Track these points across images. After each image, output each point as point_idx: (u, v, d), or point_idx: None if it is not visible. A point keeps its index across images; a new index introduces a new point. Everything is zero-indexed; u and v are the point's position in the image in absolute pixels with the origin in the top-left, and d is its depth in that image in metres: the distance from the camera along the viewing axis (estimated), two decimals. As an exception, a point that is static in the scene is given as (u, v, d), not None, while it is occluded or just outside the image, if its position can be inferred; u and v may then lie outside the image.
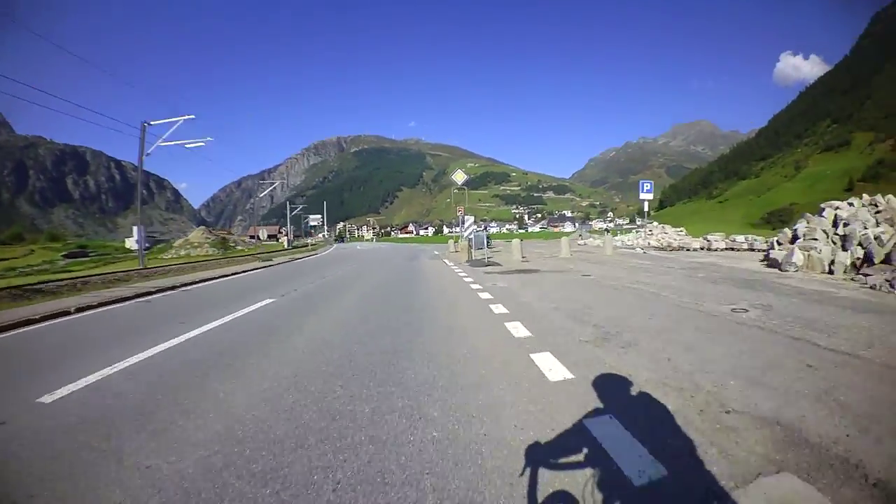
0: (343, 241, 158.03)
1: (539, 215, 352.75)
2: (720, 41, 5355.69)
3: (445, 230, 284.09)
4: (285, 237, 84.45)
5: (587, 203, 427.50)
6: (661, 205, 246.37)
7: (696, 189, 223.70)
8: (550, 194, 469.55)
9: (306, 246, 72.17)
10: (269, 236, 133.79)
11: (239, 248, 53.40)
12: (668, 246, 25.08)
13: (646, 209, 26.69)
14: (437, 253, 33.20)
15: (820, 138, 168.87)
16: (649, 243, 27.46)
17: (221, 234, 58.34)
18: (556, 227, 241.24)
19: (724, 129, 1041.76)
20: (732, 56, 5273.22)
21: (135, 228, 30.91)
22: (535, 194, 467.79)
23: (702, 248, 22.20)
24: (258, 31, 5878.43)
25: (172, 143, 28.20)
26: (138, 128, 25.72)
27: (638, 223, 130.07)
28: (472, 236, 23.76)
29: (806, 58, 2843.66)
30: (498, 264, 17.75)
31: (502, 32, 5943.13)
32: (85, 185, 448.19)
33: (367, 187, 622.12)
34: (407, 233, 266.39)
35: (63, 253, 55.11)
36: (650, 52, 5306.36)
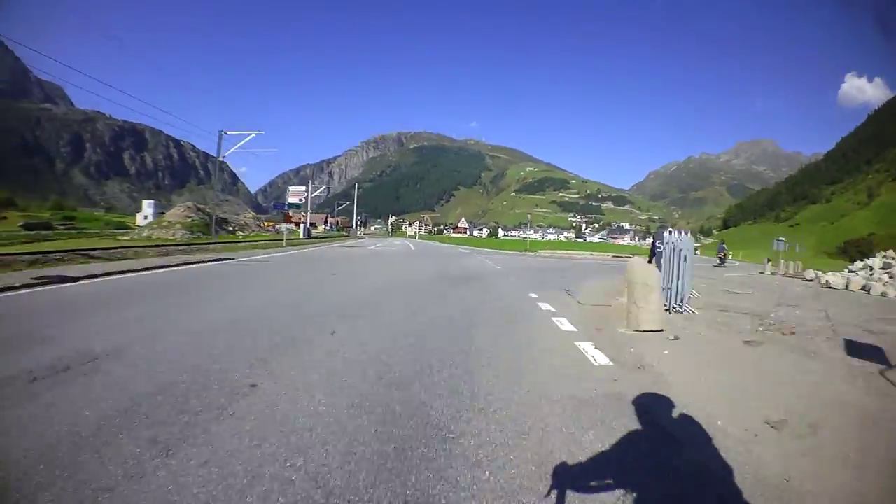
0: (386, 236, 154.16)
1: (596, 225, 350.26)
2: (786, 60, 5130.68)
3: (501, 233, 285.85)
4: (318, 226, 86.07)
5: (646, 217, 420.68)
6: (725, 224, 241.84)
7: (761, 210, 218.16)
8: (609, 204, 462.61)
9: (327, 237, 66.53)
10: (311, 224, 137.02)
11: (240, 233, 48.80)
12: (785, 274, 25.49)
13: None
14: (513, 279, 15.30)
15: (891, 165, 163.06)
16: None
17: (205, 209, 47.95)
18: (615, 238, 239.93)
19: (786, 150, 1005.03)
20: (798, 75, 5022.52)
21: (145, 203, 35.94)
22: (594, 203, 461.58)
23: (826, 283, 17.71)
24: (325, 24, 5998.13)
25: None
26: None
27: (702, 241, 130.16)
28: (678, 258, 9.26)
29: (870, 80, 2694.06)
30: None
31: (569, 39, 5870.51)
32: (142, 161, 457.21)
33: (423, 184, 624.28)
34: (460, 232, 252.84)
35: (21, 223, 55.72)
36: (716, 68, 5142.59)
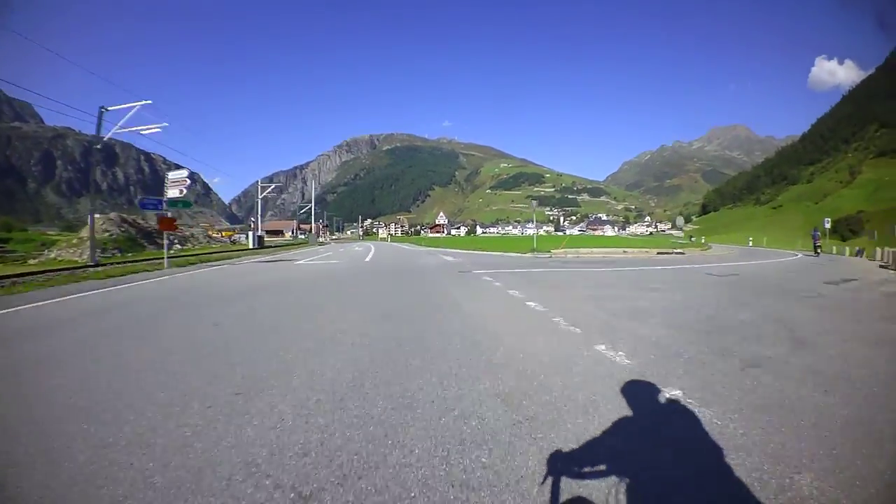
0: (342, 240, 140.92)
1: (573, 217, 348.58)
2: (756, 44, 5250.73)
3: (479, 230, 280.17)
4: (285, 233, 78.94)
5: (622, 206, 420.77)
6: (704, 209, 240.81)
7: (740, 194, 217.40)
8: (585, 196, 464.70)
9: (282, 246, 57.53)
10: (276, 231, 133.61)
11: (178, 246, 41.32)
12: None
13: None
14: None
15: (870, 143, 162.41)
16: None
17: (136, 220, 41.09)
18: (595, 229, 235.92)
19: (759, 135, 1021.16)
20: (768, 59, 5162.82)
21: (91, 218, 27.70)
22: (570, 196, 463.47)
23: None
24: (290, 27, 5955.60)
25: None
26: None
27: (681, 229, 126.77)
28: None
29: (841, 62, 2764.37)
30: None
31: (536, 33, 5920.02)
32: (113, 177, 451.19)
33: (398, 185, 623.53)
34: (437, 231, 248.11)
35: None
36: (686, 55, 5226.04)
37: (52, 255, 31.93)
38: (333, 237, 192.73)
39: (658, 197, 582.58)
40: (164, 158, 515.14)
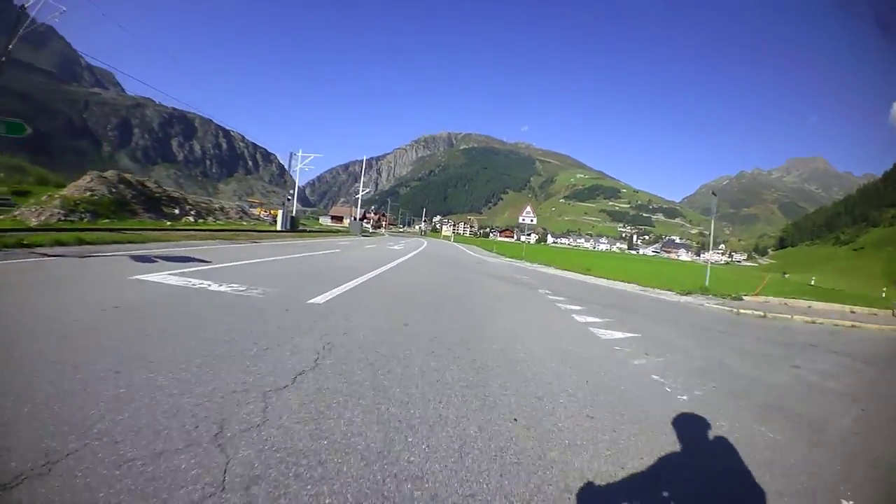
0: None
1: (646, 237, 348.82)
2: (838, 76, 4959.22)
3: (550, 239, 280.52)
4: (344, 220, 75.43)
5: (696, 231, 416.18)
6: (782, 243, 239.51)
7: (819, 231, 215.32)
8: (660, 216, 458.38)
9: (319, 232, 47.61)
10: (335, 217, 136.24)
11: (190, 220, 33.24)
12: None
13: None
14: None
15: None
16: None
17: (144, 182, 33.40)
18: (668, 252, 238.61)
19: (838, 170, 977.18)
20: (850, 93, 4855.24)
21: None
22: (644, 214, 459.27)
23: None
24: (378, 24, 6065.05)
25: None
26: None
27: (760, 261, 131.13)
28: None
29: None
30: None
31: (624, 46, 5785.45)
32: (190, 149, 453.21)
33: (471, 186, 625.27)
34: (507, 236, 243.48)
35: None
36: (770, 80, 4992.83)
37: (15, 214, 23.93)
38: (398, 229, 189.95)
39: (733, 225, 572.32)
40: (242, 136, 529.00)
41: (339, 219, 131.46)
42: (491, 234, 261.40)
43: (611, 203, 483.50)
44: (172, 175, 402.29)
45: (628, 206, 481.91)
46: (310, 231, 45.43)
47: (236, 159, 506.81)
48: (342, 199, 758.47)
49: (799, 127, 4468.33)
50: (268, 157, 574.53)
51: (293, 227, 43.12)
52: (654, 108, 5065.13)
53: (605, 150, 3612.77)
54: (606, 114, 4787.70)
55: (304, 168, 44.82)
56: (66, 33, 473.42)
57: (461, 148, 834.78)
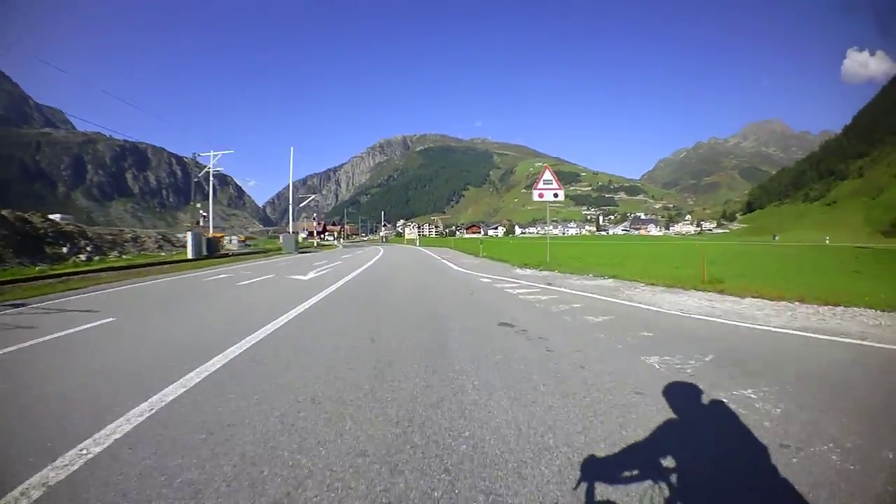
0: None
1: (611, 217, 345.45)
2: (787, 36, 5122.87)
3: (518, 230, 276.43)
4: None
5: (660, 205, 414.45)
6: (750, 207, 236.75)
7: (786, 190, 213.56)
8: (622, 195, 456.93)
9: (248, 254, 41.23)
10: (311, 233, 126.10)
11: (80, 258, 27.49)
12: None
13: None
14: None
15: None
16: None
17: (26, 217, 28.02)
18: (638, 229, 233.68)
19: (795, 130, 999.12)
20: (801, 52, 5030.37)
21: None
22: (607, 195, 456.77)
23: None
24: (322, 32, 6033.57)
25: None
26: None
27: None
28: None
29: (872, 54, 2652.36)
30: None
31: (569, 31, 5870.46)
32: (145, 180, 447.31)
33: (432, 186, 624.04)
34: (473, 232, 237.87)
35: None
36: (718, 49, 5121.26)
37: None
38: (359, 238, 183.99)
39: (696, 195, 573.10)
40: (196, 162, 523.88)
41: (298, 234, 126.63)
42: (457, 232, 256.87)
43: (572, 187, 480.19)
44: (130, 209, 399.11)
45: (590, 188, 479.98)
46: (237, 254, 38.70)
47: (191, 185, 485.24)
48: (303, 215, 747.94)
49: (752, 92, 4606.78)
50: (224, 179, 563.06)
51: (211, 251, 35.14)
52: (605, 89, 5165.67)
53: (560, 137, 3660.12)
54: (558, 100, 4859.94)
55: (216, 170, 35.95)
56: (11, 73, 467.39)
57: (417, 150, 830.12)
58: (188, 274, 19.34)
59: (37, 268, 21.58)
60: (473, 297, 10.89)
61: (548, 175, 19.81)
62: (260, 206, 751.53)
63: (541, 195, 19.69)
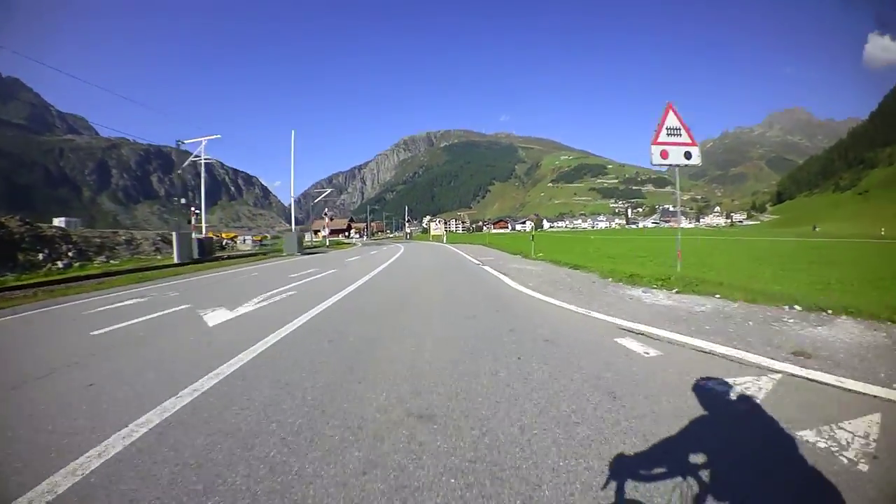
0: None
1: (640, 210, 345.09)
2: (808, 23, 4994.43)
3: (546, 225, 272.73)
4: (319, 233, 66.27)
5: (688, 197, 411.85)
6: (779, 197, 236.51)
7: (815, 180, 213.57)
8: (650, 187, 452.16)
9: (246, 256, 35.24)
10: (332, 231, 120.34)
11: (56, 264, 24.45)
12: None
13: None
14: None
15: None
16: None
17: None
18: (667, 221, 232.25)
19: (819, 118, 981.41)
20: (823, 38, 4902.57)
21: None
22: (634, 187, 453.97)
23: None
24: (346, 31, 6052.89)
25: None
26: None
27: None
28: None
29: (894, 38, 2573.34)
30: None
31: (593, 22, 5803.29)
32: (171, 182, 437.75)
33: (457, 182, 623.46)
34: (501, 228, 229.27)
35: None
36: (742, 37, 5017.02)
37: None
38: (384, 235, 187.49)
39: (724, 186, 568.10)
40: (221, 163, 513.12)
41: (316, 232, 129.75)
42: (484, 228, 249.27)
43: (599, 180, 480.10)
44: (156, 211, 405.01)
45: (616, 180, 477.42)
46: (232, 257, 33.22)
47: (218, 187, 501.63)
48: (330, 213, 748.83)
49: (775, 79, 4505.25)
50: (249, 180, 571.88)
51: (204, 253, 30.12)
52: (630, 80, 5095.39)
53: (586, 129, 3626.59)
54: (583, 92, 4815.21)
55: (207, 160, 35.72)
56: (33, 84, 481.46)
57: (442, 146, 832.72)
58: (128, 290, 12.89)
59: (45, 268, 21.30)
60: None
61: (672, 120, 10.98)
62: (286, 205, 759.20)
63: (664, 154, 10.92)
